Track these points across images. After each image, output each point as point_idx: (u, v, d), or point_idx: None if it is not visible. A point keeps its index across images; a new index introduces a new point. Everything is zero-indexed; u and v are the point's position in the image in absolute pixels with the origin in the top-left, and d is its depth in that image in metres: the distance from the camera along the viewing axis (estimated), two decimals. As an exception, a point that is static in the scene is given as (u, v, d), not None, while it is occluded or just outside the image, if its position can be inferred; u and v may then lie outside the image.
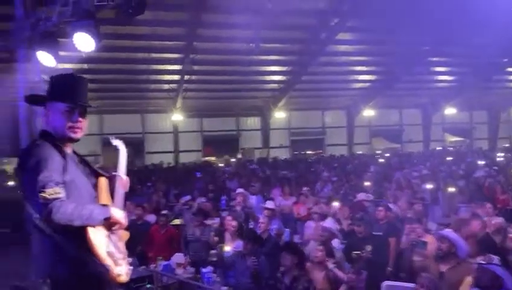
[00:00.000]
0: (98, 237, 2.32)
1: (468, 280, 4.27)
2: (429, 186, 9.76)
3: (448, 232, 5.17)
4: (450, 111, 26.95)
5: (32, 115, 7.10)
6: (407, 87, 23.96)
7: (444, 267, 4.85)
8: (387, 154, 21.99)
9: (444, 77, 24.54)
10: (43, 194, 2.20)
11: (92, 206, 2.36)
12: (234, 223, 6.59)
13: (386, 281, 5.18)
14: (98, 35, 6.81)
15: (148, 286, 5.43)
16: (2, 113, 8.13)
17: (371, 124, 26.88)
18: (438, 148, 25.50)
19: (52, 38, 7.32)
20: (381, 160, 19.20)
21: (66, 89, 2.49)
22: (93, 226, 2.30)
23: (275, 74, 21.21)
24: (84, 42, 6.82)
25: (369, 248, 5.31)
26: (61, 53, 7.55)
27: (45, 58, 7.29)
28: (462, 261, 4.83)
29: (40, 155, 2.31)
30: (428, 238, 5.68)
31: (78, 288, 2.35)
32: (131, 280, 5.08)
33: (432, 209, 8.79)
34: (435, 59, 21.02)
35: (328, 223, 6.82)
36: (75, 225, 2.23)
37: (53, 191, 2.21)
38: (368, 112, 25.34)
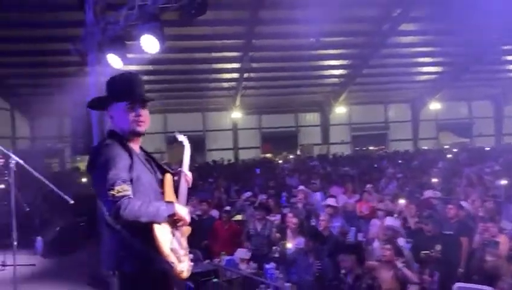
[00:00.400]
0: (163, 234, 2.36)
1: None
2: (504, 182, 9.17)
3: (523, 231, 4.86)
4: (525, 102, 25.11)
5: (103, 115, 7.46)
6: (476, 78, 22.53)
7: (518, 269, 4.58)
8: (455, 150, 20.89)
9: (517, 66, 22.89)
10: (112, 192, 2.26)
11: (158, 203, 2.41)
12: (295, 220, 6.58)
13: (457, 283, 4.94)
14: (163, 37, 7.01)
15: (215, 280, 5.53)
16: (76, 113, 8.63)
17: (438, 117, 25.57)
18: (512, 143, 23.87)
19: (121, 42, 7.61)
20: (449, 155, 18.29)
21: (123, 88, 2.55)
22: (159, 223, 2.35)
23: (335, 68, 20.80)
24: (150, 44, 7.05)
25: (438, 247, 5.10)
26: (129, 55, 7.85)
27: (114, 61, 7.62)
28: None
29: (109, 154, 2.39)
30: (501, 238, 5.38)
31: (144, 283, 2.41)
32: (198, 274, 5.22)
33: (507, 207, 8.26)
34: (506, 47, 19.58)
35: (390, 221, 6.60)
36: (142, 222, 2.29)
37: (121, 189, 2.28)
38: (435, 105, 24.12)
